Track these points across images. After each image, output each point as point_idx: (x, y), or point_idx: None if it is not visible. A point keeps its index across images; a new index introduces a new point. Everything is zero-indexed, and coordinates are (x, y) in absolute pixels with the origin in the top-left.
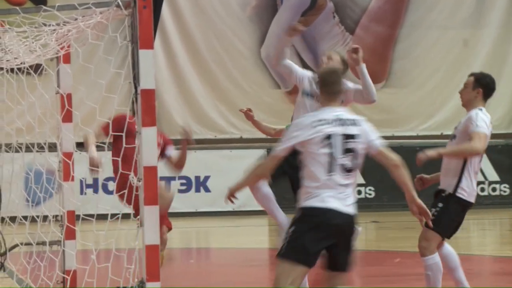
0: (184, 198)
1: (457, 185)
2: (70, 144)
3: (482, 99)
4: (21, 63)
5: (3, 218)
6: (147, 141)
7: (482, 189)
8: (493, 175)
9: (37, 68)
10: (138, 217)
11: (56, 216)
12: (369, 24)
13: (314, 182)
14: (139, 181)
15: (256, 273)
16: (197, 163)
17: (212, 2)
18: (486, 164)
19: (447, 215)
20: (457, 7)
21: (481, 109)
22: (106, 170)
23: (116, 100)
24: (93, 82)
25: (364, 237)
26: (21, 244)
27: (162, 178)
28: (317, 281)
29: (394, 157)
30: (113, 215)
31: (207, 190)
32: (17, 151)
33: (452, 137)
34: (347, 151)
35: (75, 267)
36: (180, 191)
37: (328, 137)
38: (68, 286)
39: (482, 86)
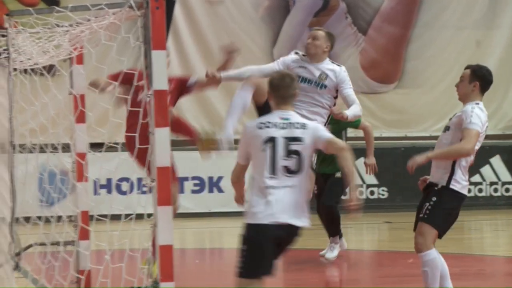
0: (197, 198)
1: (450, 178)
2: (84, 145)
3: (479, 93)
4: (35, 64)
5: (17, 219)
6: (160, 142)
7: (496, 190)
8: (506, 176)
9: (50, 69)
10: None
11: (70, 216)
12: (381, 25)
13: (257, 183)
14: (153, 182)
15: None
16: (210, 163)
17: (224, 2)
18: (498, 164)
19: (442, 208)
20: (470, 8)
21: (478, 104)
22: (120, 171)
23: (129, 100)
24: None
25: (377, 238)
26: (36, 244)
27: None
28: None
29: (341, 143)
30: (126, 216)
31: (220, 190)
32: (30, 152)
33: (446, 128)
34: (291, 153)
35: (89, 267)
36: (193, 191)
37: (272, 139)
38: (82, 286)
39: (479, 79)
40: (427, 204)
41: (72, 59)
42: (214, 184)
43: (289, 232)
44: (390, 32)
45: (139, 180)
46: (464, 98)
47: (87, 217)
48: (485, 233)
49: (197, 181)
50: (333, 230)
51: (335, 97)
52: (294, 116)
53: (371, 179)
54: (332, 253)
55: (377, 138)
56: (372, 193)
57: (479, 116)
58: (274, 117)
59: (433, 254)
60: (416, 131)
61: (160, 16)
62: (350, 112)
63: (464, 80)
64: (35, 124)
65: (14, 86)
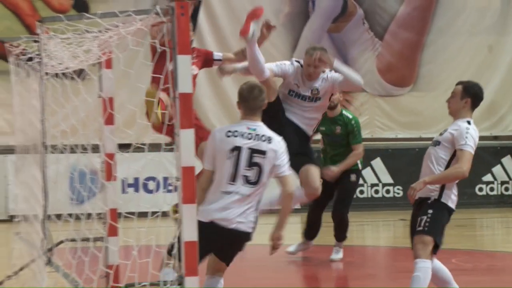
0: None
1: (441, 192)
2: (112, 146)
3: (470, 109)
4: (65, 69)
5: (49, 216)
6: (185, 143)
7: (506, 189)
8: None
9: (80, 73)
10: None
11: (99, 214)
12: (397, 30)
13: (215, 188)
14: (178, 181)
15: (289, 267)
16: None
17: (247, 9)
18: (510, 164)
19: (439, 220)
20: (482, 14)
21: (469, 122)
22: (146, 170)
23: (155, 103)
24: (134, 86)
25: (393, 234)
26: (67, 240)
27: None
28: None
29: (290, 188)
30: (153, 213)
31: None
32: (62, 152)
33: (435, 143)
34: (253, 164)
35: (118, 262)
36: None
37: (237, 148)
38: (111, 280)
39: (471, 96)
40: (424, 217)
41: (101, 64)
42: None
43: (232, 237)
44: (405, 37)
45: (165, 179)
46: (455, 114)
47: (116, 215)
48: (496, 230)
49: None
50: (341, 236)
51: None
52: (260, 128)
53: (387, 178)
54: (337, 255)
55: (392, 139)
56: (387, 191)
57: (473, 137)
58: (242, 126)
59: (429, 264)
60: (430, 132)
61: (185, 22)
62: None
63: (456, 96)
64: (66, 126)
65: (46, 89)
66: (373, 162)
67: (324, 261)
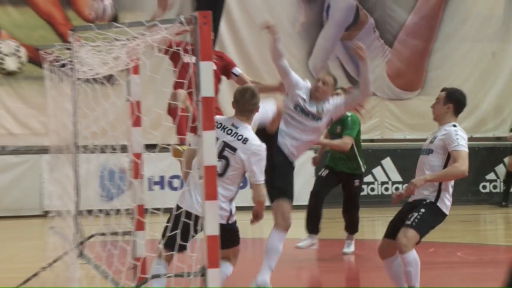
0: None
1: (437, 196)
2: (139, 146)
3: (453, 114)
4: (96, 74)
5: (81, 212)
6: (207, 143)
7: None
8: None
9: (109, 78)
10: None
11: (128, 209)
12: (406, 38)
13: (193, 176)
14: (200, 179)
15: (307, 260)
16: None
17: (265, 18)
18: None
19: (429, 219)
20: (486, 23)
21: (455, 126)
22: (171, 169)
23: (180, 106)
24: (159, 91)
25: None
26: (97, 234)
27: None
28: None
29: (261, 197)
30: (177, 208)
31: None
32: (92, 152)
33: (428, 151)
34: (221, 157)
35: (145, 255)
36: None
37: (217, 140)
38: (138, 271)
39: (453, 102)
40: (416, 213)
41: (129, 70)
42: None
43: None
44: (413, 44)
45: None
46: (439, 119)
47: (143, 210)
48: (499, 225)
49: None
50: (353, 230)
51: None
52: (244, 128)
53: (396, 176)
54: (349, 248)
55: (401, 140)
56: (397, 189)
57: (463, 137)
58: (228, 121)
59: (414, 254)
60: None
61: (207, 31)
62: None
63: (439, 102)
64: (96, 127)
65: (77, 93)
66: (383, 162)
67: (336, 255)
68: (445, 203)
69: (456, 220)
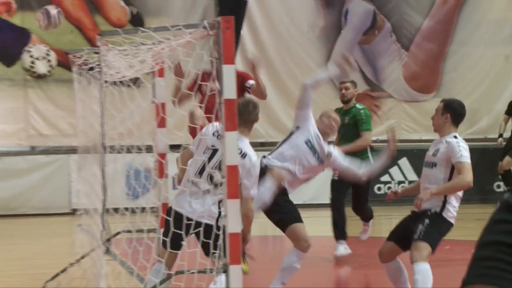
0: None
1: (443, 206)
2: (164, 146)
3: (452, 125)
4: (122, 77)
5: (108, 210)
6: (230, 144)
7: None
8: None
9: (135, 81)
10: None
11: (152, 207)
12: (422, 42)
13: (185, 176)
14: (223, 178)
15: (325, 257)
16: None
17: (285, 23)
18: None
19: (435, 229)
20: (500, 27)
21: (456, 137)
22: None
23: (203, 108)
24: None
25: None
26: (123, 231)
27: None
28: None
29: (249, 211)
30: None
31: None
32: (119, 152)
33: (432, 164)
34: (220, 167)
35: (169, 251)
36: None
37: (214, 148)
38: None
39: (450, 112)
40: (420, 225)
41: (154, 73)
42: None
43: (196, 228)
44: (429, 48)
45: None
46: (439, 130)
47: (167, 208)
48: None
49: None
50: (367, 217)
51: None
52: (243, 143)
53: (413, 176)
54: (366, 235)
55: (417, 141)
56: None
57: (465, 149)
58: None
59: (427, 266)
60: None
61: (230, 35)
62: None
63: (438, 113)
64: (123, 128)
65: (105, 96)
66: (400, 162)
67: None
68: (451, 212)
69: (471, 219)
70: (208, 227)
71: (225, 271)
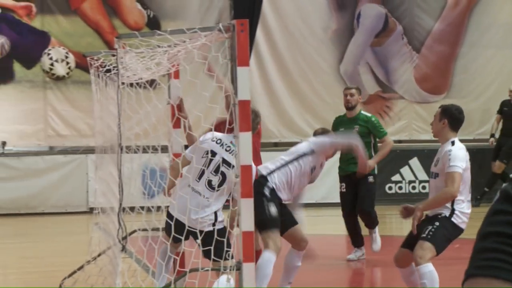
0: None
1: (451, 212)
2: (179, 147)
3: (450, 130)
4: (139, 79)
5: (124, 208)
6: (244, 144)
7: None
8: None
9: (152, 83)
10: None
11: (168, 206)
12: (433, 44)
13: (185, 181)
14: (237, 178)
15: (337, 254)
16: None
17: (298, 26)
18: None
19: (443, 232)
20: (509, 29)
21: (453, 143)
22: None
23: (218, 109)
24: (199, 95)
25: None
26: (139, 230)
27: None
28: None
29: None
30: None
31: None
32: (135, 152)
33: (434, 175)
34: (218, 171)
35: (183, 249)
36: None
37: (212, 152)
38: (177, 265)
39: (447, 117)
40: (430, 227)
41: (170, 75)
42: None
43: (195, 233)
44: (440, 50)
45: None
46: (438, 135)
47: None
48: None
49: None
50: (373, 225)
51: None
52: None
53: (423, 176)
54: (376, 245)
55: (428, 141)
56: (424, 188)
57: (456, 156)
58: (227, 139)
59: (431, 267)
60: (462, 134)
61: (244, 38)
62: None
63: (436, 119)
64: (139, 129)
65: (122, 97)
66: (410, 162)
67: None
68: (460, 218)
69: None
70: (208, 233)
71: (239, 268)
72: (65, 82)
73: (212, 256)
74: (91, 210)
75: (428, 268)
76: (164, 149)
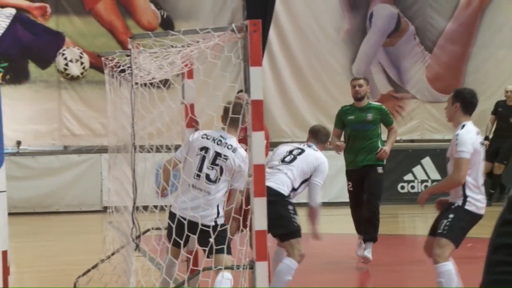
0: None
1: (464, 200)
2: None
3: (463, 113)
4: (152, 79)
5: (137, 207)
6: (256, 143)
7: None
8: None
9: (165, 82)
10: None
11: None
12: (445, 44)
13: (184, 180)
14: (250, 177)
15: (347, 255)
16: None
17: (311, 26)
18: None
19: (458, 224)
20: None
21: (463, 126)
22: None
23: (231, 109)
24: (212, 94)
25: None
26: (152, 229)
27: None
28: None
29: (238, 202)
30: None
31: None
32: (148, 152)
33: (447, 160)
34: (216, 165)
35: (197, 248)
36: None
37: (205, 149)
38: (190, 264)
39: (459, 100)
40: (445, 220)
41: (183, 74)
42: None
43: (194, 226)
44: (452, 50)
45: None
46: (451, 119)
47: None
48: None
49: None
50: (371, 235)
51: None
52: (231, 139)
53: (435, 175)
54: (368, 254)
55: (440, 140)
56: None
57: (463, 141)
58: (217, 134)
59: (450, 266)
60: None
61: (257, 38)
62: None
63: (449, 103)
64: (152, 128)
65: (135, 97)
66: (423, 161)
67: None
68: (475, 204)
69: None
70: (211, 228)
71: (252, 267)
72: (80, 82)
73: (214, 252)
74: (105, 209)
75: (447, 267)
76: (178, 148)
